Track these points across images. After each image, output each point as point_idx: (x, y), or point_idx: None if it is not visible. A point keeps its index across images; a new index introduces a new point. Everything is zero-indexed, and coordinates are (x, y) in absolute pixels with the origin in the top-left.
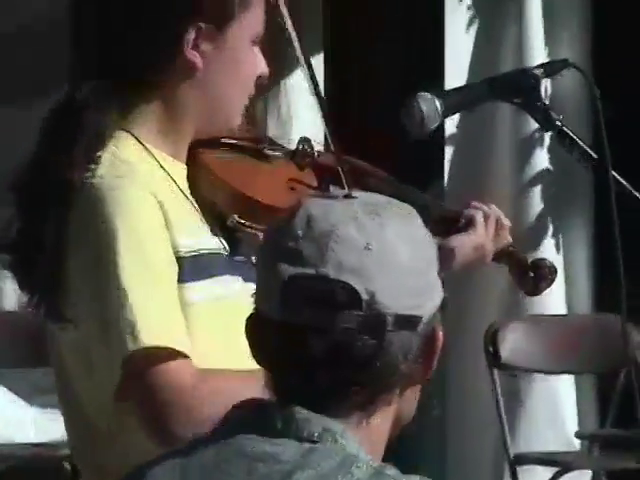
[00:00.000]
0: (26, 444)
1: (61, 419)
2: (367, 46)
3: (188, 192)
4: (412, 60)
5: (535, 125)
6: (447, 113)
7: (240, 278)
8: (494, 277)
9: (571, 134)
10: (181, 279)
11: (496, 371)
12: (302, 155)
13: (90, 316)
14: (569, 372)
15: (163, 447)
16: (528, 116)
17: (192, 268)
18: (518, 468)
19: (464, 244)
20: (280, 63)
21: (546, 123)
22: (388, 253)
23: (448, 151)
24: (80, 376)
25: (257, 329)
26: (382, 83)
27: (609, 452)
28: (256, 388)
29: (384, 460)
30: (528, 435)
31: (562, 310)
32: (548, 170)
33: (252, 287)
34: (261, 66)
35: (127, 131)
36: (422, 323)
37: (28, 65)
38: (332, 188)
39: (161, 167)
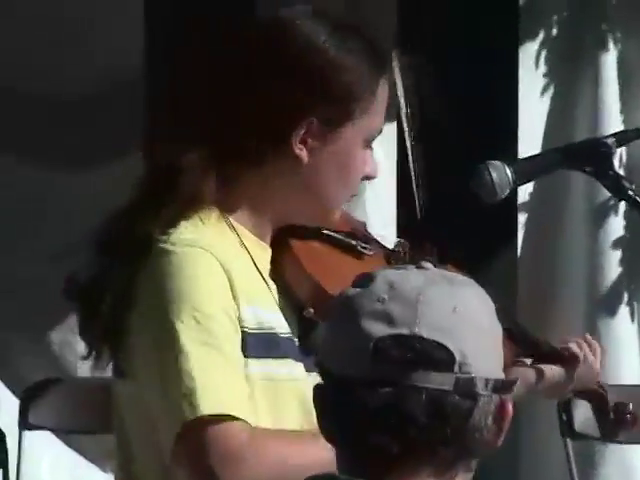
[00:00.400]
0: None
1: None
2: (439, 109)
3: (266, 272)
4: (485, 125)
5: None
6: (518, 181)
7: (302, 365)
8: None
9: None
10: (242, 353)
11: (569, 440)
12: (397, 258)
13: (151, 376)
14: None
15: None
16: None
17: (254, 344)
18: None
19: (553, 375)
20: None
21: (618, 192)
22: (473, 316)
23: (521, 216)
24: (138, 432)
25: (333, 392)
26: (453, 148)
27: None
28: (314, 447)
29: None
30: None
31: (637, 380)
32: (623, 237)
33: (313, 376)
34: (370, 168)
35: (217, 207)
36: (513, 387)
37: (96, 129)
38: None
39: (242, 245)
